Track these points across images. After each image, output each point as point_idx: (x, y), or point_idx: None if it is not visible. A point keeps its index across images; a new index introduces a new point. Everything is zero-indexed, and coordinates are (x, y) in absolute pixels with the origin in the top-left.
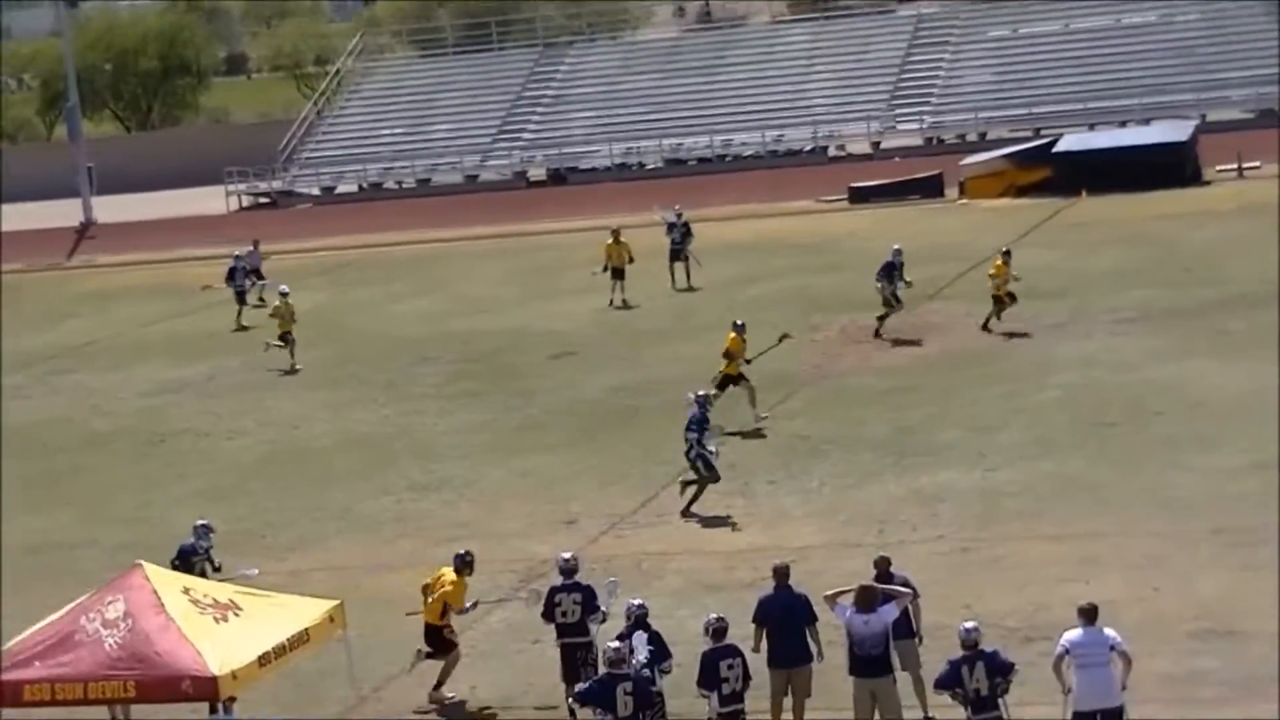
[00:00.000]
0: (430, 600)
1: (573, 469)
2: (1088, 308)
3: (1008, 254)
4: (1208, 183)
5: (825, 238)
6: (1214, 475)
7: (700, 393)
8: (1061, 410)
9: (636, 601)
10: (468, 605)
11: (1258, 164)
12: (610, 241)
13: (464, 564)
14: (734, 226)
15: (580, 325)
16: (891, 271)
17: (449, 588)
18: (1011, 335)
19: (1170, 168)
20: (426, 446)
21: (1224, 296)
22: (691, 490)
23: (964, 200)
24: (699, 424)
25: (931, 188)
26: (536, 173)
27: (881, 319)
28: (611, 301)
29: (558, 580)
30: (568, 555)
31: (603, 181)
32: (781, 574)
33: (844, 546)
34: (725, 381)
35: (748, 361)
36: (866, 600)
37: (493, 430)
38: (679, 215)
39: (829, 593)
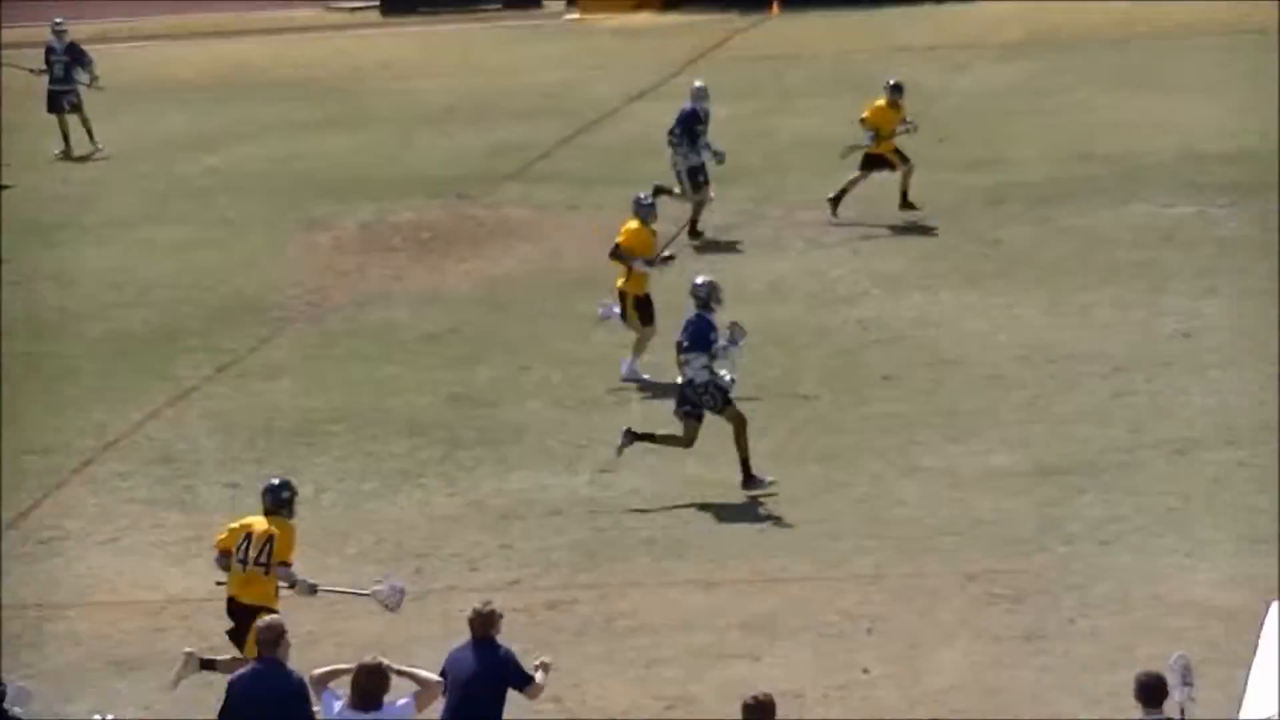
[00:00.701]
0: (242, 566)
1: None
2: (774, 200)
3: (897, 89)
4: None
5: (337, 74)
6: (968, 481)
7: (702, 279)
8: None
9: None
10: (310, 581)
11: None
12: None
13: (281, 502)
14: (174, 50)
15: None
16: (694, 126)
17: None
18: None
19: None
20: None
21: (999, 185)
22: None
23: (576, 15)
24: (702, 337)
25: None
26: None
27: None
28: None
29: None
30: None
31: None
32: (268, 640)
33: (352, 598)
34: (637, 307)
35: (666, 259)
36: (367, 688)
37: None
38: (59, 33)
39: (317, 671)
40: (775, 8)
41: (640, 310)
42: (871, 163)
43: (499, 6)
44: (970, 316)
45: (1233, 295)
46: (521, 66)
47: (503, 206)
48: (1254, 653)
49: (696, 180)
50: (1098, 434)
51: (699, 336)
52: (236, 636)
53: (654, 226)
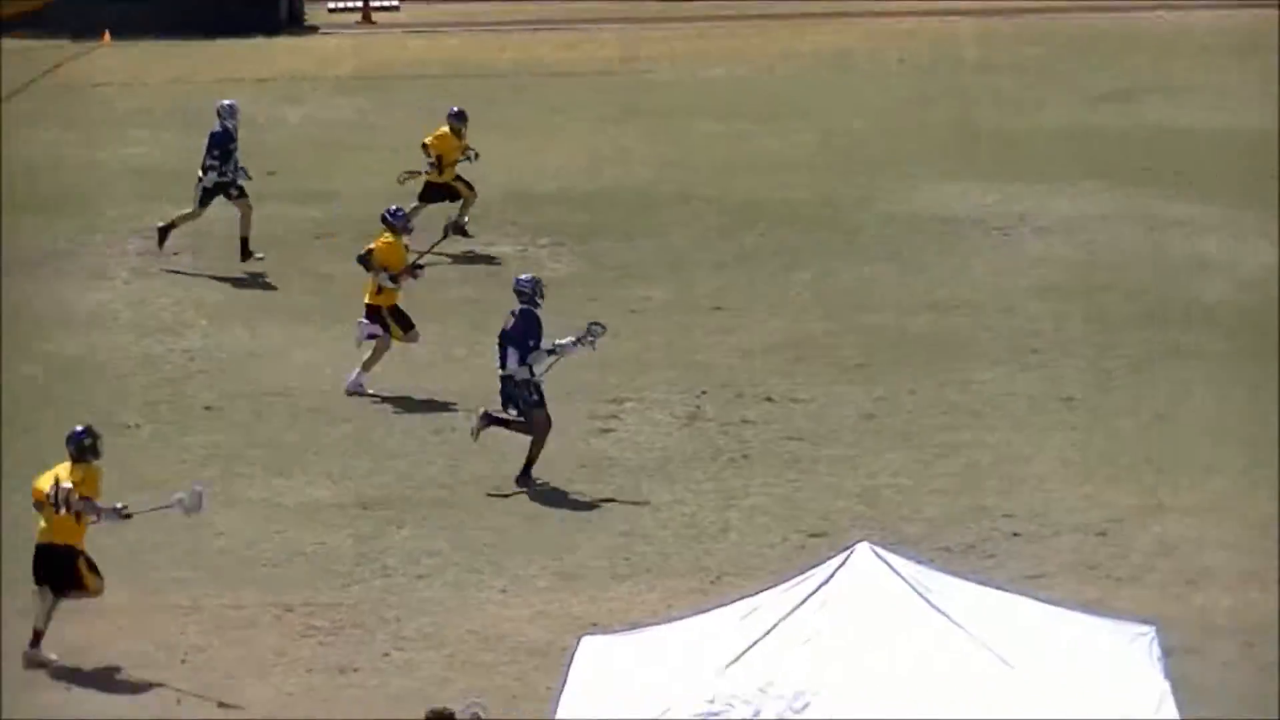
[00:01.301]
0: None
1: None
2: (99, 229)
3: (460, 116)
4: (313, 28)
5: None
6: (288, 513)
7: (527, 276)
8: (41, 405)
9: None
10: (117, 505)
11: (396, 3)
12: None
13: (84, 449)
14: None
15: None
16: (227, 145)
17: (73, 480)
18: None
19: (249, 1)
20: None
21: (330, 218)
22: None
23: None
24: (534, 331)
25: None
26: None
27: (173, 225)
28: None
29: None
30: None
31: None
32: None
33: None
34: (394, 318)
35: (416, 269)
36: None
37: None
38: None
39: None
40: (107, 36)
41: (398, 320)
42: (432, 193)
43: None
44: (296, 349)
45: (557, 333)
46: None
47: None
48: (562, 687)
49: (214, 197)
50: (417, 470)
51: (530, 329)
52: (50, 578)
53: (406, 240)
